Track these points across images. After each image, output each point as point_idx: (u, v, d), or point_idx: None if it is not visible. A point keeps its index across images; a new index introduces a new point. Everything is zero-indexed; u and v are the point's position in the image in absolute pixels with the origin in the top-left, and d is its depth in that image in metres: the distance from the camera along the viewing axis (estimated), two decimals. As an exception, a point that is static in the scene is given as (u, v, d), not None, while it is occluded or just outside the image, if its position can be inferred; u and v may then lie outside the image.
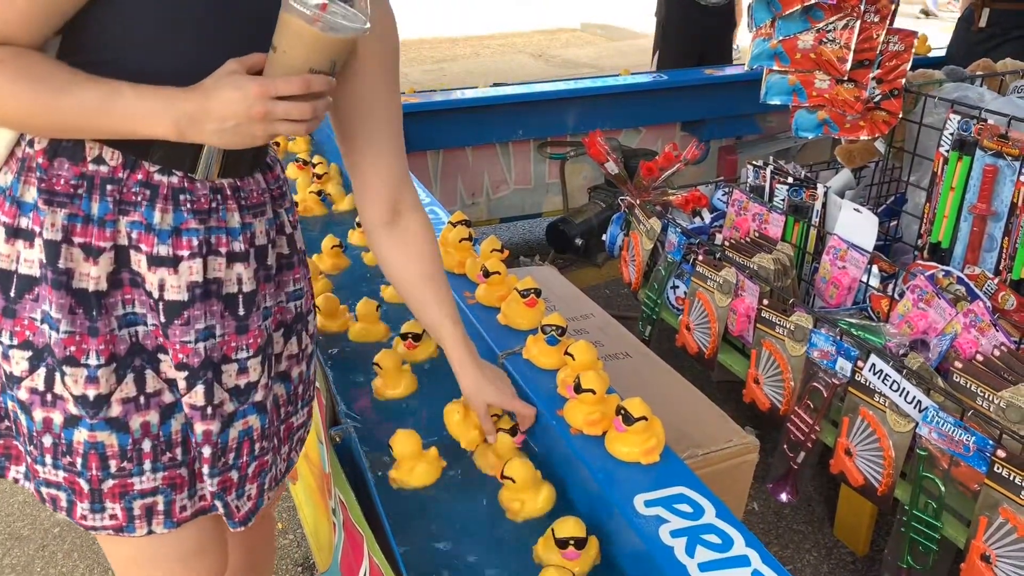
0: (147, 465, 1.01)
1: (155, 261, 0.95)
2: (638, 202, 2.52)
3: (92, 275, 0.93)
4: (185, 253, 0.96)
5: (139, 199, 0.94)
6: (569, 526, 1.13)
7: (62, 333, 0.93)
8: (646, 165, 2.58)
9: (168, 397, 1.01)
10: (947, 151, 2.04)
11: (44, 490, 1.02)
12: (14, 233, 0.94)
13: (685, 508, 1.13)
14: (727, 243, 2.26)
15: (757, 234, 2.27)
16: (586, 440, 1.28)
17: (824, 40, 2.23)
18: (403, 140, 1.21)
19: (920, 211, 2.18)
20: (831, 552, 2.10)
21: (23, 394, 0.96)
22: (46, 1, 0.84)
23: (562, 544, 1.12)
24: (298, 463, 1.84)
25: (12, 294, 0.94)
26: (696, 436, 1.63)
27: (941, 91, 2.22)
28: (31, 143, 0.94)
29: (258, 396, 1.06)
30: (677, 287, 2.35)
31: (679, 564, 1.04)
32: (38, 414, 0.97)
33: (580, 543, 1.12)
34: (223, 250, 0.99)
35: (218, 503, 1.06)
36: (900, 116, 2.20)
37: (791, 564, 2.07)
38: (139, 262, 0.95)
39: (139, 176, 0.94)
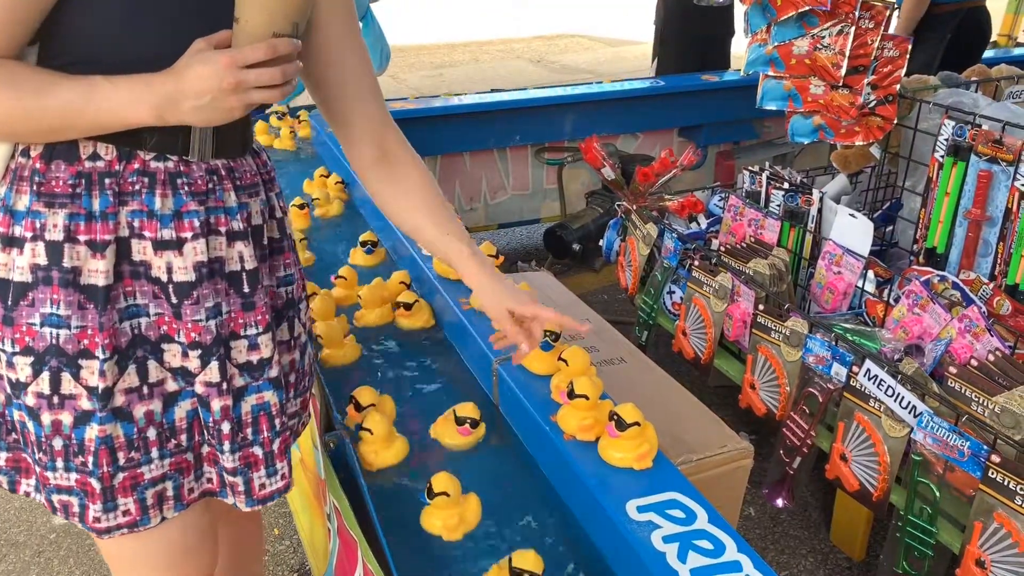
0: (154, 453, 1.03)
1: (160, 245, 0.97)
2: (635, 207, 2.52)
3: (100, 269, 0.95)
4: (188, 235, 0.98)
5: (138, 188, 0.96)
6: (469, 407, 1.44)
7: (74, 329, 0.95)
8: (642, 170, 2.58)
9: (171, 386, 1.02)
10: (942, 156, 2.04)
11: (55, 497, 1.02)
12: (9, 242, 0.95)
13: (677, 514, 1.13)
14: (723, 248, 2.26)
15: (753, 239, 2.27)
16: (579, 446, 1.28)
17: (819, 46, 2.24)
18: (378, 83, 1.20)
19: (916, 216, 2.18)
20: (827, 558, 2.10)
21: (31, 400, 0.98)
22: (16, 8, 0.86)
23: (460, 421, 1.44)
24: (295, 468, 1.85)
25: (9, 302, 0.96)
26: (690, 441, 1.63)
27: (936, 97, 2.23)
28: (25, 153, 0.96)
29: (273, 372, 1.07)
30: (673, 292, 2.35)
31: (671, 570, 1.04)
32: (46, 418, 0.98)
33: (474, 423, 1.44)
34: (223, 229, 1.01)
35: (238, 479, 1.07)
36: (895, 122, 2.20)
37: (787, 570, 2.07)
38: (143, 250, 0.97)
39: (135, 166, 0.96)
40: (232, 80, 0.88)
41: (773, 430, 1.92)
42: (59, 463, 1.00)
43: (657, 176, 2.59)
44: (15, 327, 0.96)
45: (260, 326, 1.05)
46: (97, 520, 1.02)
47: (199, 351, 1.01)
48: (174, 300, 0.99)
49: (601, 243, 2.78)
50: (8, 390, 0.99)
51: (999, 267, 1.97)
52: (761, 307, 1.95)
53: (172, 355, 1.01)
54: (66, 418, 0.98)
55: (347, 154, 1.22)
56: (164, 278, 0.98)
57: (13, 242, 0.95)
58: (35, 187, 0.94)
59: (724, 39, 4.22)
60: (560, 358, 1.39)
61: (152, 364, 1.01)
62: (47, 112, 0.89)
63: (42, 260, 0.95)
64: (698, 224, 2.57)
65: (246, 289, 1.04)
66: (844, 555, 2.10)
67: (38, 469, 1.02)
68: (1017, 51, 4.51)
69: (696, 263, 2.19)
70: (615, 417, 1.23)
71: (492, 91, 3.84)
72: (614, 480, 1.20)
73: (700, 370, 2.22)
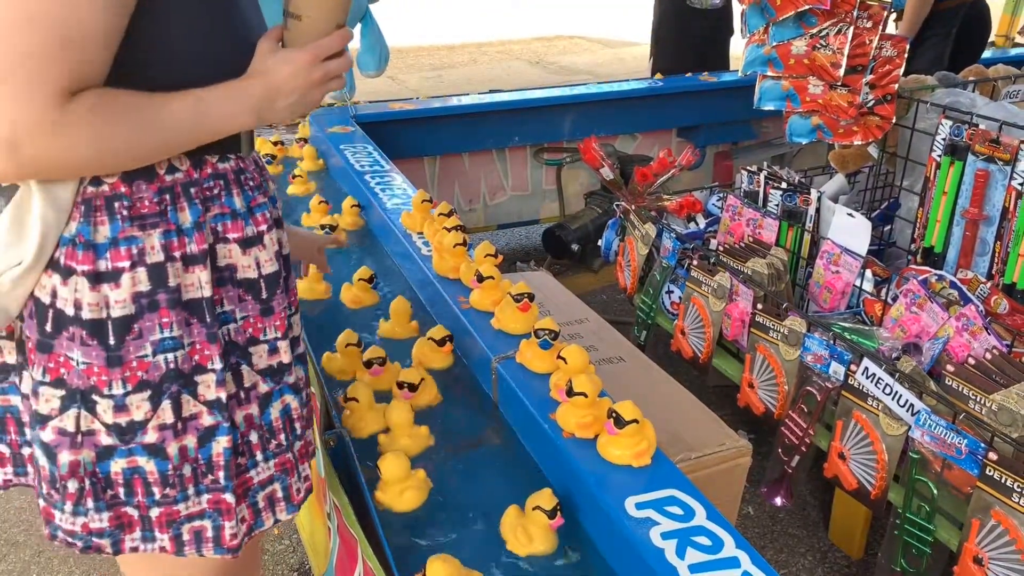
0: (259, 456, 1.03)
1: (246, 243, 0.98)
2: (633, 208, 2.53)
3: (203, 281, 0.94)
4: (264, 227, 1.01)
5: (216, 192, 0.97)
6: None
7: (186, 347, 0.94)
8: (640, 171, 2.59)
9: (263, 387, 1.02)
10: (939, 156, 2.05)
11: (187, 528, 0.98)
12: (96, 279, 0.90)
13: (676, 510, 1.14)
14: (721, 248, 2.27)
15: (751, 239, 2.28)
16: (578, 443, 1.28)
17: (817, 46, 2.24)
18: None
19: (913, 216, 2.19)
20: (826, 556, 2.10)
21: (152, 436, 0.94)
22: (108, 30, 0.83)
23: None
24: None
25: (112, 341, 0.91)
26: (689, 440, 1.63)
27: (933, 96, 2.24)
28: (96, 181, 0.90)
29: (300, 348, 1.11)
30: (672, 292, 2.36)
31: (670, 566, 1.05)
32: (173, 448, 0.95)
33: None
34: (271, 218, 1.04)
35: (276, 485, 1.05)
36: (893, 121, 2.21)
37: (786, 568, 2.07)
38: (228, 253, 0.97)
39: (208, 171, 0.96)
40: (320, 74, 0.94)
41: (771, 429, 1.93)
42: (190, 490, 0.97)
43: (656, 176, 2.59)
44: (124, 365, 0.91)
45: (293, 307, 1.08)
46: (234, 536, 0.99)
47: (289, 339, 1.04)
48: (264, 295, 1.00)
49: (600, 243, 2.78)
50: (110, 440, 0.93)
51: (996, 266, 1.98)
52: (759, 306, 1.95)
53: (259, 356, 1.01)
54: (191, 441, 0.96)
55: None
56: (254, 275, 0.99)
57: (101, 277, 0.90)
58: (124, 212, 0.90)
59: (722, 40, 4.21)
60: (559, 356, 1.40)
61: (245, 369, 1.00)
62: (168, 134, 0.88)
63: (144, 287, 0.91)
64: (696, 224, 2.58)
65: (284, 272, 1.07)
66: (842, 553, 2.10)
67: (157, 511, 0.97)
68: (1014, 51, 4.52)
69: (695, 263, 2.19)
70: (614, 415, 1.24)
71: (491, 92, 3.85)
72: (613, 477, 1.21)
73: (699, 369, 2.22)
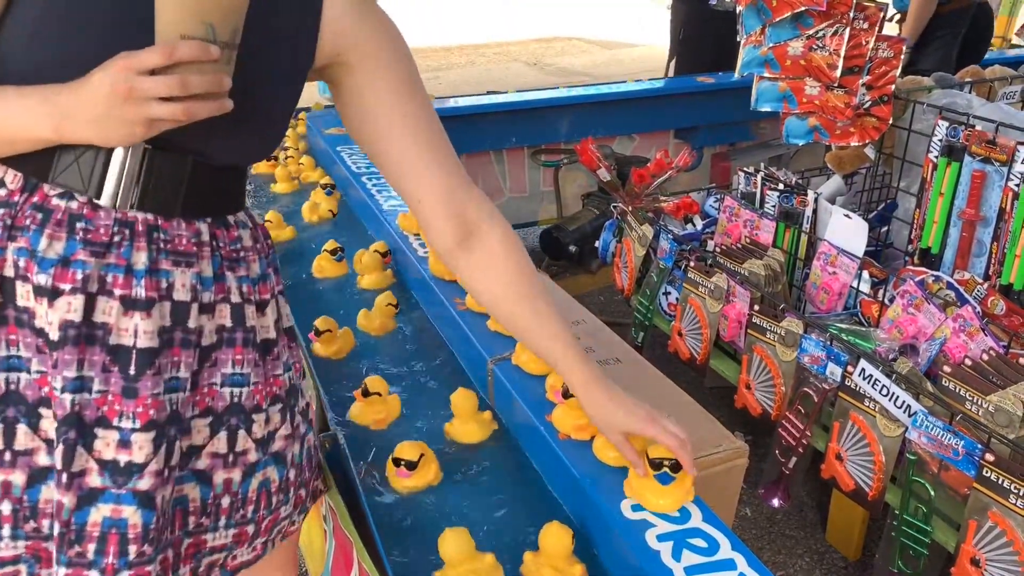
0: (5, 530, 0.87)
1: (39, 291, 0.84)
2: (631, 209, 2.53)
3: None
4: (67, 287, 0.84)
5: (29, 223, 0.84)
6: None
7: None
8: (637, 172, 2.59)
9: (44, 460, 0.87)
10: (936, 157, 2.05)
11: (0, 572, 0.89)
12: None
13: (672, 512, 1.14)
14: (718, 249, 2.27)
15: (748, 240, 2.28)
16: (574, 445, 1.28)
17: (814, 47, 2.24)
18: (449, 150, 1.06)
19: (910, 217, 2.19)
20: (823, 557, 2.10)
21: None
22: None
23: None
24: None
25: None
26: (686, 441, 1.63)
27: (930, 97, 2.24)
28: None
29: (142, 484, 0.87)
30: (669, 293, 2.36)
31: (665, 568, 1.04)
32: None
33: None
34: (117, 292, 0.86)
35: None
36: (890, 122, 2.21)
37: (783, 569, 2.07)
38: (26, 294, 0.84)
39: (35, 199, 0.85)
40: (124, 85, 0.75)
41: (769, 430, 1.93)
42: (5, 530, 0.87)
43: (653, 177, 2.59)
44: None
45: (139, 421, 0.86)
46: None
47: (55, 424, 0.85)
48: (51, 352, 0.85)
49: (597, 244, 2.78)
50: None
51: (993, 267, 1.98)
52: (756, 307, 1.95)
53: (49, 422, 0.86)
54: (17, 478, 0.86)
55: (425, 238, 1.11)
56: (47, 328, 0.84)
57: None
58: None
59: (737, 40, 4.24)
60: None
61: (22, 428, 0.86)
62: None
63: None
64: (694, 225, 2.58)
65: (132, 371, 0.86)
66: (840, 554, 2.10)
67: None
68: (1011, 52, 4.54)
69: (692, 264, 2.19)
70: (610, 416, 1.23)
71: (488, 93, 3.85)
72: (609, 479, 1.20)
73: (696, 371, 2.22)
